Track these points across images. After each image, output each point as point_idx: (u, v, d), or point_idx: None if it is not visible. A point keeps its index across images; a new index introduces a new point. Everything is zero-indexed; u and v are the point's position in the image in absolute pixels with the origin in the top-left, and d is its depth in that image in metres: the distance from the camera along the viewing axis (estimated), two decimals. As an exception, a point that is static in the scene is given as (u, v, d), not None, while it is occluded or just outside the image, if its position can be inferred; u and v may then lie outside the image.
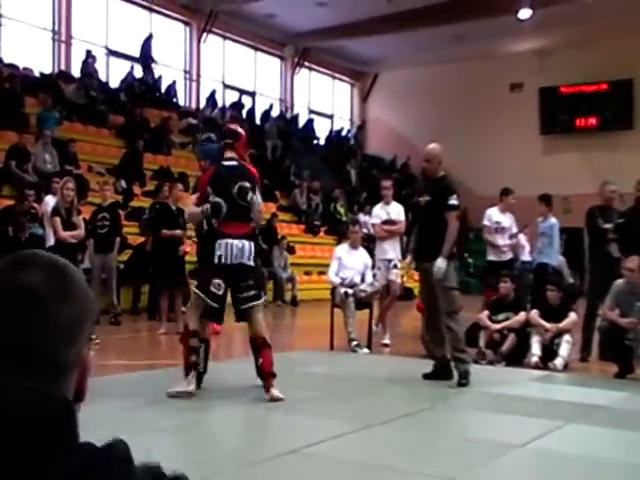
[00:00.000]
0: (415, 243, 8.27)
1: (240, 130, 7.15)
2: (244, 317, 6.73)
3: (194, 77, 26.24)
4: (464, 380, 7.51)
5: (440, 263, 7.51)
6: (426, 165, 8.11)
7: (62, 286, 1.16)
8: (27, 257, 1.18)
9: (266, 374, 6.57)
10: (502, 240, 11.53)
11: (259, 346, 6.62)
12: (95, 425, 1.13)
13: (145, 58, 23.85)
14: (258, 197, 6.90)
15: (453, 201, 7.77)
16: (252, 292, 6.64)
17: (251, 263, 6.65)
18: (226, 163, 6.78)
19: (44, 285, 1.13)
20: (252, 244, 6.68)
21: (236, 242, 6.54)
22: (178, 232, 11.66)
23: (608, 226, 9.81)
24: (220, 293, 6.52)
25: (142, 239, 14.37)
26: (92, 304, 1.21)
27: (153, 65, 23.72)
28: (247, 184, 6.72)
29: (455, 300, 7.74)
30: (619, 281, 8.71)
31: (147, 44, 23.94)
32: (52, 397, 1.07)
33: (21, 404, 1.03)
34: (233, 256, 6.51)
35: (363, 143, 32.92)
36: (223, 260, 6.49)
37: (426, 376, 7.84)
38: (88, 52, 21.57)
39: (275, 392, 6.50)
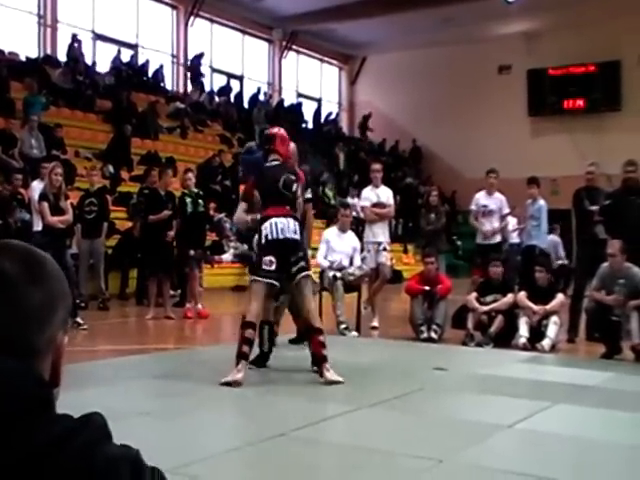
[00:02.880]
0: None
1: (274, 131, 7.28)
2: (297, 291, 6.83)
3: (181, 61, 26.12)
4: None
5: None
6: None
7: (33, 271, 1.17)
8: (2, 245, 1.20)
9: (318, 359, 6.72)
10: (489, 224, 11.56)
11: (309, 332, 6.82)
12: (81, 409, 1.14)
13: (195, 74, 25.04)
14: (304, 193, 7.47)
15: (308, 195, 8.52)
16: (302, 263, 6.76)
17: (297, 237, 6.76)
18: (268, 164, 6.95)
19: (15, 270, 1.15)
20: (296, 222, 6.79)
21: (280, 219, 6.66)
22: (165, 213, 11.61)
23: (594, 208, 9.83)
24: (272, 268, 6.58)
25: (130, 224, 14.34)
26: (65, 291, 1.23)
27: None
28: (292, 177, 6.90)
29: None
30: (604, 264, 8.75)
31: (197, 60, 25.02)
32: (30, 373, 1.11)
33: (1, 379, 1.06)
34: (279, 231, 6.62)
35: (350, 127, 32.90)
36: (270, 237, 6.60)
37: (291, 341, 8.53)
38: (74, 36, 21.44)
39: (329, 375, 6.60)
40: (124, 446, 1.13)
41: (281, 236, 6.62)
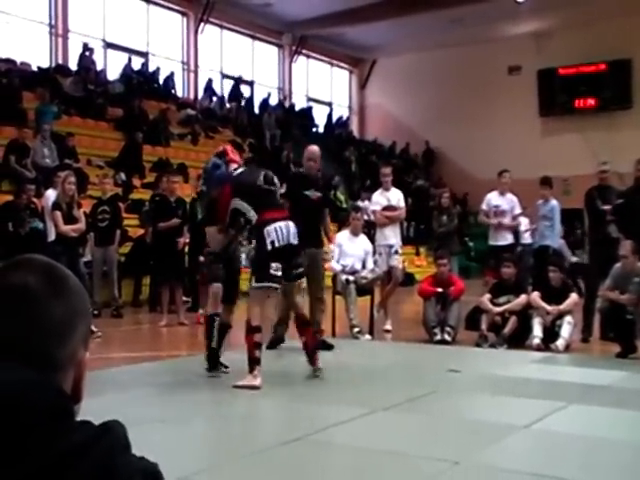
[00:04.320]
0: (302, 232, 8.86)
1: (221, 148, 7.57)
2: (291, 295, 7.19)
3: (192, 67, 26.21)
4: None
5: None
6: (312, 164, 9.03)
7: (55, 286, 1.20)
8: (25, 259, 1.23)
9: (310, 351, 7.14)
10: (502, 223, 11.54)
11: (303, 324, 7.16)
12: (97, 417, 1.15)
13: (235, 95, 26.01)
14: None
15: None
16: (300, 270, 7.04)
17: (296, 242, 6.89)
18: (237, 173, 7.07)
19: (37, 284, 1.17)
20: (294, 225, 6.90)
21: (282, 224, 6.77)
22: (174, 221, 11.64)
23: (606, 207, 9.81)
24: (279, 274, 6.74)
25: (142, 231, 14.38)
26: (86, 308, 1.25)
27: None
28: (269, 172, 7.13)
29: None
30: (617, 265, 8.73)
31: (237, 84, 26.13)
32: (50, 384, 1.12)
33: (24, 388, 1.08)
34: (284, 237, 6.73)
35: (361, 130, 32.94)
36: (276, 244, 6.68)
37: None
38: (85, 45, 21.54)
39: (320, 363, 7.14)
40: (143, 459, 1.14)
41: (286, 242, 6.73)
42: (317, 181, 9.01)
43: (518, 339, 9.34)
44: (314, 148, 9.21)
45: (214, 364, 7.17)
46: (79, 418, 1.13)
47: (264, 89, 28.34)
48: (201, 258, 11.48)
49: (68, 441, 1.05)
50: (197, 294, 12.41)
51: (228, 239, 7.26)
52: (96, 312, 11.63)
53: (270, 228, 6.68)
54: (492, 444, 4.91)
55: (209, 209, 7.74)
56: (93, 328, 9.51)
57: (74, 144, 17.15)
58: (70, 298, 1.21)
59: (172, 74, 24.37)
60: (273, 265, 6.65)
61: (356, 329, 9.97)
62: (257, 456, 4.70)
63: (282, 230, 6.72)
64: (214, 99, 25.64)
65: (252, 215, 6.81)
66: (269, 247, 6.67)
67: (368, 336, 10.11)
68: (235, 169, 7.14)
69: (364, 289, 10.36)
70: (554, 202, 12.15)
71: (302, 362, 7.34)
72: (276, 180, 7.16)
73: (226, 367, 7.22)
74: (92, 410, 1.12)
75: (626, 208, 9.44)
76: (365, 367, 7.95)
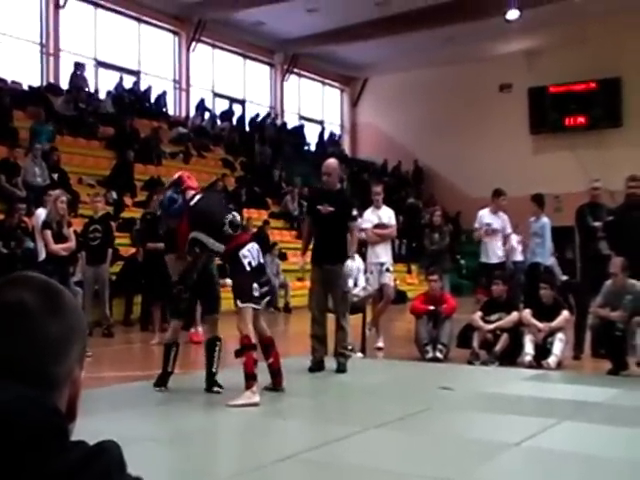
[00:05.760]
0: (318, 247, 8.89)
1: (176, 176, 7.62)
2: (260, 312, 7.21)
3: (184, 86, 26.25)
4: (344, 369, 8.59)
5: (347, 261, 8.77)
6: (327, 178, 8.85)
7: (52, 304, 1.19)
8: (21, 276, 1.23)
9: (276, 371, 7.22)
10: (494, 242, 11.55)
11: (270, 346, 7.21)
12: (89, 436, 1.14)
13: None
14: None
15: (355, 212, 8.91)
16: (267, 288, 7.21)
17: (262, 261, 7.18)
18: (195, 202, 7.14)
19: (33, 302, 1.17)
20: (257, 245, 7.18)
21: (252, 245, 7.02)
22: (160, 245, 11.62)
23: (597, 224, 9.84)
24: (258, 294, 6.92)
25: (134, 250, 14.35)
26: (82, 326, 1.25)
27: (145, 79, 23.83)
28: (237, 216, 7.21)
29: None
30: (608, 282, 8.76)
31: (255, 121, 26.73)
32: (46, 402, 1.11)
33: (18, 406, 1.07)
34: (257, 257, 6.97)
35: (353, 148, 33.04)
36: (254, 264, 6.89)
37: (311, 369, 8.60)
38: (76, 64, 21.57)
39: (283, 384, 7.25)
40: (139, 479, 1.13)
41: (257, 261, 6.97)
42: (333, 195, 8.79)
43: (510, 356, 9.33)
44: (329, 161, 9.06)
45: (163, 382, 7.34)
46: (73, 438, 1.12)
47: (256, 108, 28.41)
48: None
49: (63, 460, 1.05)
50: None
51: (184, 266, 7.35)
52: (87, 338, 11.56)
53: (244, 251, 6.87)
54: (485, 462, 4.91)
55: (167, 238, 7.90)
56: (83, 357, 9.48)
57: (58, 158, 17.04)
58: (66, 316, 1.20)
59: (164, 93, 24.40)
60: (254, 285, 6.85)
61: (348, 347, 9.93)
62: (249, 475, 4.68)
63: (254, 251, 6.96)
64: (206, 117, 25.68)
65: (213, 245, 6.93)
66: (248, 268, 6.85)
67: (360, 354, 10.10)
68: (192, 197, 7.18)
69: (356, 307, 10.33)
70: (545, 219, 12.18)
71: (290, 380, 7.34)
72: (240, 222, 7.33)
73: (219, 386, 7.22)
74: (84, 429, 1.12)
75: (617, 225, 9.47)
76: (357, 385, 7.94)
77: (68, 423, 1.16)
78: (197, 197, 7.19)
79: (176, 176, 7.67)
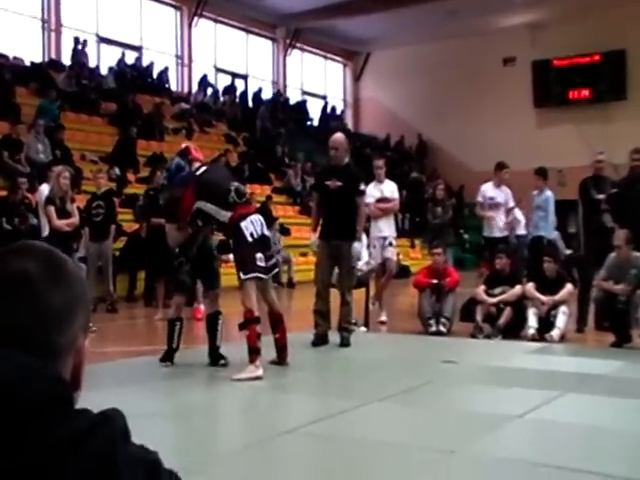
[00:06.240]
0: (327, 223, 8.82)
1: (183, 146, 7.70)
2: (268, 285, 7.15)
3: (186, 62, 26.15)
4: (348, 344, 8.58)
5: (355, 243, 8.65)
6: (334, 153, 8.76)
7: (55, 273, 1.19)
8: (25, 245, 1.23)
9: (283, 346, 7.21)
10: (498, 217, 11.54)
11: (279, 322, 7.18)
12: (94, 410, 1.14)
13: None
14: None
15: (363, 187, 8.85)
16: (274, 260, 7.19)
17: (269, 234, 7.17)
18: (201, 172, 7.14)
19: (37, 271, 1.16)
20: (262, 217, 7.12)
21: (254, 217, 6.92)
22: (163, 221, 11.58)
23: (601, 197, 9.82)
24: (263, 265, 6.84)
25: (137, 226, 14.35)
26: (86, 295, 1.25)
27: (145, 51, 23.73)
28: (241, 186, 7.19)
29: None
30: (612, 255, 8.75)
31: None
32: (49, 371, 1.11)
33: (21, 376, 1.06)
34: (260, 229, 6.88)
35: (355, 123, 32.95)
36: (256, 235, 6.82)
37: (314, 343, 8.61)
38: (76, 39, 21.48)
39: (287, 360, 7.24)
40: (143, 447, 1.13)
41: (260, 233, 6.88)
42: (341, 170, 8.72)
43: (513, 330, 9.34)
44: (336, 136, 8.98)
45: (169, 358, 7.32)
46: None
47: (259, 83, 28.30)
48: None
49: (67, 429, 1.04)
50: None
51: (185, 237, 7.35)
52: (91, 307, 11.60)
53: (246, 222, 6.81)
54: (488, 433, 4.92)
55: (169, 207, 7.79)
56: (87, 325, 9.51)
57: (63, 137, 17.02)
58: (70, 285, 1.20)
59: (166, 68, 24.33)
60: (257, 256, 6.77)
61: (352, 321, 9.95)
62: (253, 448, 4.70)
63: (257, 222, 6.88)
64: (208, 93, 25.60)
65: (222, 215, 6.89)
66: (250, 239, 6.78)
67: (364, 328, 10.11)
68: (198, 168, 7.19)
69: (359, 281, 10.34)
70: (549, 193, 12.14)
71: (294, 355, 7.36)
72: (247, 192, 7.32)
73: (224, 358, 7.24)
74: (89, 404, 1.12)
75: (620, 198, 9.45)
76: (361, 359, 7.95)
77: (72, 392, 1.15)
78: (203, 168, 7.21)
79: (183, 146, 7.69)
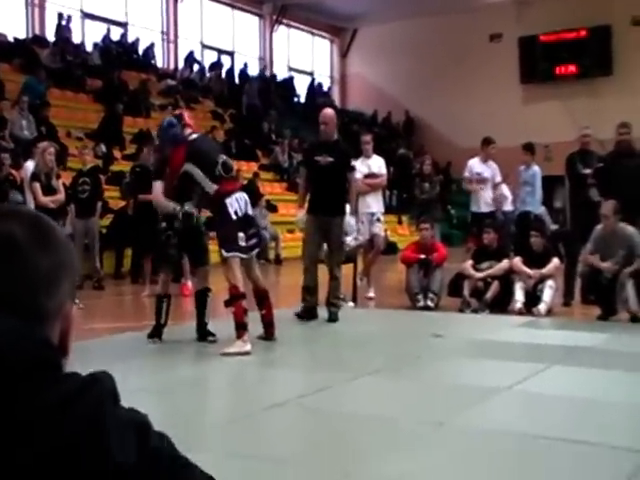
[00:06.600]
0: (316, 198, 8.76)
1: (177, 112, 7.76)
2: (252, 263, 7.16)
3: (172, 38, 25.98)
4: (336, 319, 8.57)
5: (349, 218, 8.67)
6: (324, 128, 8.75)
7: (42, 237, 1.17)
8: (11, 209, 1.21)
9: (269, 322, 7.22)
10: (483, 191, 11.55)
11: (264, 298, 7.18)
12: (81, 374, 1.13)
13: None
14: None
15: (353, 162, 8.99)
16: (255, 240, 7.08)
17: (252, 212, 7.15)
18: (194, 138, 7.13)
19: (23, 234, 1.14)
20: (246, 195, 7.09)
21: (240, 194, 6.91)
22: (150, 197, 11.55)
23: (587, 171, 9.83)
24: (244, 244, 6.82)
25: (124, 203, 14.29)
26: (73, 260, 1.23)
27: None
28: (229, 160, 7.19)
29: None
30: (598, 227, 8.76)
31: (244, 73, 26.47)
32: (37, 335, 1.09)
33: (10, 339, 1.05)
34: (245, 207, 6.87)
35: (342, 100, 32.86)
36: (240, 213, 6.79)
37: (300, 316, 8.64)
38: (60, 15, 21.30)
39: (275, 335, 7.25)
40: (132, 410, 1.11)
41: (244, 211, 6.86)
42: (331, 146, 8.70)
43: (500, 304, 9.38)
44: (326, 111, 8.97)
45: (157, 334, 7.30)
46: None
47: (245, 59, 28.15)
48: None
49: (55, 392, 1.03)
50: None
51: (172, 207, 7.23)
52: (78, 284, 11.55)
53: (231, 199, 6.78)
54: (476, 406, 4.95)
55: (158, 166, 7.74)
56: (75, 300, 9.49)
57: (48, 114, 16.91)
58: (57, 250, 1.18)
59: (152, 44, 24.17)
60: (240, 235, 6.75)
61: (340, 296, 9.96)
62: (239, 422, 4.71)
63: (241, 200, 6.86)
64: (195, 70, 25.46)
65: (208, 185, 6.85)
66: (234, 217, 6.76)
67: (351, 303, 10.12)
68: (189, 134, 7.15)
69: (347, 257, 10.33)
70: (536, 168, 12.14)
71: (282, 330, 7.36)
72: (234, 167, 7.35)
73: (213, 335, 7.24)
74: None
75: (607, 172, 9.46)
76: (349, 334, 7.97)
77: (61, 357, 1.14)
78: (195, 135, 7.21)
79: (177, 111, 7.70)
